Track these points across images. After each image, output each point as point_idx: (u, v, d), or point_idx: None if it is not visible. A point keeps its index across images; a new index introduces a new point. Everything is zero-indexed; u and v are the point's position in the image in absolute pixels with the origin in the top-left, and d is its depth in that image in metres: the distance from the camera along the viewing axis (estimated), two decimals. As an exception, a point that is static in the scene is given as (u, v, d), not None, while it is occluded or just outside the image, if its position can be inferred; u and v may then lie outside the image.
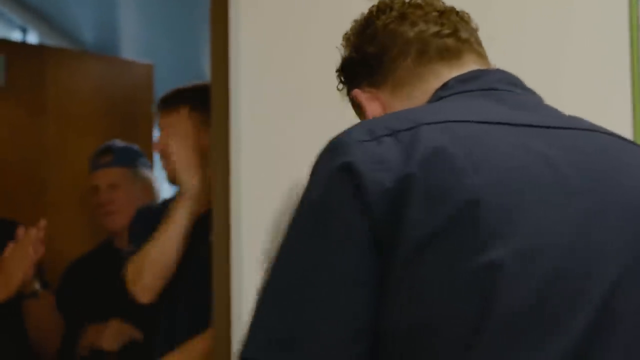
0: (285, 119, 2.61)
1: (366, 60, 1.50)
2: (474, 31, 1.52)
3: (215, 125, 2.86)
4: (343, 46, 1.54)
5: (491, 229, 1.23)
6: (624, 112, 2.71)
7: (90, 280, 3.58)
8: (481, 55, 1.50)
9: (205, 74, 8.06)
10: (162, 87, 7.48)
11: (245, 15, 2.81)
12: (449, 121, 1.30)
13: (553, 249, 1.24)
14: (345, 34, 1.54)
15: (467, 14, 1.53)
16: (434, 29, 1.47)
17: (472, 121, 1.31)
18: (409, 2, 1.52)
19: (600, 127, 1.41)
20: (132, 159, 3.67)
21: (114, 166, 3.63)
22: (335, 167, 1.27)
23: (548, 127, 1.34)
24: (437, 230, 1.22)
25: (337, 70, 1.55)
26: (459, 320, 1.21)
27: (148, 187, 3.66)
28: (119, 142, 3.75)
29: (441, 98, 1.42)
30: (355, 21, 1.53)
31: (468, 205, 1.23)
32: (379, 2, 1.53)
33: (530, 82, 1.50)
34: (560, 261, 1.24)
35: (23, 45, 5.34)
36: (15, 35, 6.33)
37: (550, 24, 2.69)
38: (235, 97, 2.81)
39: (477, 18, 1.57)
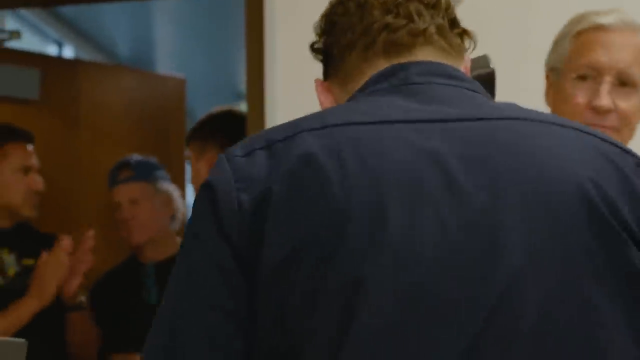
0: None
1: (325, 49, 1.42)
2: (441, 19, 1.37)
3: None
4: (314, 28, 1.45)
5: (356, 243, 1.16)
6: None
7: (115, 297, 3.59)
8: (440, 46, 1.36)
9: (238, 88, 8.10)
10: (196, 100, 7.52)
11: (281, 30, 2.81)
12: (331, 125, 1.24)
13: (420, 262, 1.17)
14: (321, 16, 1.44)
15: None
16: (385, 20, 1.35)
17: (359, 123, 1.24)
18: None
19: (531, 114, 1.29)
20: (151, 173, 3.67)
21: (134, 181, 3.63)
22: (201, 186, 1.25)
23: (454, 121, 1.25)
24: (297, 247, 1.17)
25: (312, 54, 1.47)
26: (320, 340, 1.16)
27: (168, 200, 3.66)
28: (136, 156, 3.75)
29: (353, 98, 1.34)
30: (330, 2, 1.44)
31: (332, 217, 1.17)
32: None
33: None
34: (427, 276, 1.16)
35: (57, 59, 5.38)
36: (51, 49, 6.38)
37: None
38: (270, 111, 2.80)
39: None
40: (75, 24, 6.36)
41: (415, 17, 1.36)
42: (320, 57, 1.44)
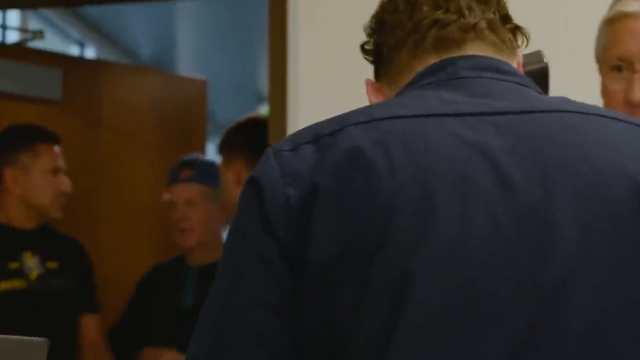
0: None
1: (375, 49, 1.40)
2: (492, 14, 1.35)
3: (273, 139, 2.86)
4: (364, 29, 1.43)
5: (404, 237, 1.15)
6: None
7: (159, 295, 3.57)
8: (491, 42, 1.35)
9: (259, 90, 8.10)
10: (217, 102, 7.53)
11: (304, 31, 2.80)
12: (379, 119, 1.22)
13: (470, 257, 1.15)
14: (371, 17, 1.42)
15: None
16: (435, 15, 1.33)
17: (406, 116, 1.23)
18: None
19: (579, 106, 1.28)
20: (213, 177, 3.58)
21: (194, 182, 3.58)
22: (247, 182, 1.24)
23: (503, 114, 1.23)
24: (346, 243, 1.16)
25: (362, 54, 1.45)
26: (368, 336, 1.14)
27: (225, 207, 3.62)
28: (200, 157, 3.71)
29: (402, 93, 1.33)
30: (380, 2, 1.42)
31: (380, 211, 1.16)
32: None
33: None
34: (477, 271, 1.15)
35: (79, 59, 5.39)
36: (73, 50, 6.39)
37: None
38: (293, 113, 2.80)
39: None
40: (98, 25, 6.38)
41: (466, 12, 1.34)
42: (371, 58, 1.42)
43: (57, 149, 3.56)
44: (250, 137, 3.17)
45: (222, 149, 3.23)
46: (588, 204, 1.18)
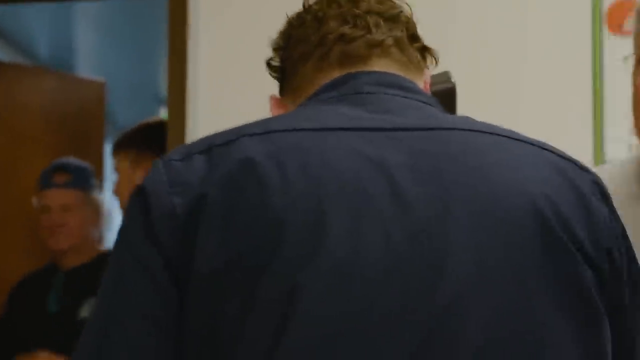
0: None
1: (280, 65, 1.39)
2: (400, 33, 1.34)
3: (171, 143, 2.84)
4: (271, 45, 1.41)
5: (293, 251, 1.13)
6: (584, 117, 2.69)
7: (28, 303, 3.50)
8: (397, 59, 1.33)
9: (159, 92, 8.02)
10: (117, 104, 7.43)
11: (204, 35, 2.78)
12: (274, 131, 1.21)
13: (362, 272, 1.13)
14: (278, 32, 1.41)
15: (401, 12, 1.36)
16: (341, 30, 1.32)
17: (303, 129, 1.21)
18: (329, 0, 1.37)
19: (485, 126, 1.26)
20: (88, 181, 3.58)
21: (70, 187, 3.54)
22: (134, 191, 1.22)
23: (403, 130, 1.22)
24: (233, 256, 1.13)
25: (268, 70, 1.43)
26: (254, 351, 1.12)
27: (98, 210, 3.59)
28: (74, 161, 3.65)
29: (302, 105, 1.31)
30: (288, 17, 1.41)
31: (270, 225, 1.14)
32: (304, 1, 1.39)
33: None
34: (368, 287, 1.12)
35: (-27, 59, 5.24)
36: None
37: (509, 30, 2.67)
38: (192, 116, 2.77)
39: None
40: (-7, 23, 6.24)
41: (373, 29, 1.33)
42: (276, 74, 1.41)
43: None
44: (162, 137, 3.14)
45: (129, 148, 3.19)
46: (485, 226, 1.17)
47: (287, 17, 1.39)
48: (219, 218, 1.15)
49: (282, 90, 1.39)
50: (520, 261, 1.17)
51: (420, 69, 1.37)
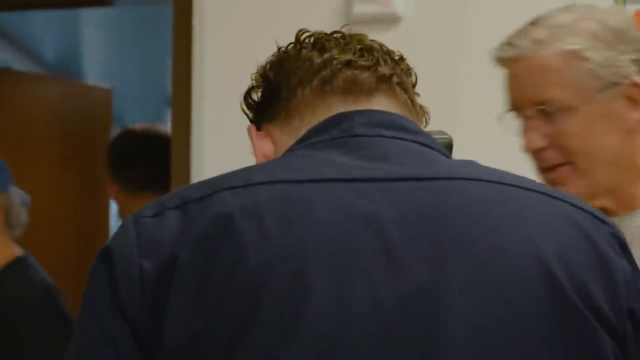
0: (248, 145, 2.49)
1: (266, 90, 1.26)
2: (404, 75, 1.24)
3: (176, 151, 2.78)
4: (252, 77, 1.30)
5: (271, 322, 1.02)
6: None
7: None
8: (402, 100, 1.22)
9: (167, 94, 7.97)
10: (125, 107, 7.39)
11: (209, 39, 2.73)
12: (255, 183, 1.09)
13: (348, 344, 1.02)
14: (259, 66, 1.30)
15: (402, 57, 1.27)
16: (348, 57, 1.21)
17: (288, 180, 1.09)
18: (332, 32, 1.27)
19: (491, 174, 1.15)
20: (3, 180, 3.38)
21: None
22: (99, 253, 1.11)
23: (398, 180, 1.10)
24: (205, 326, 1.03)
25: (241, 102, 1.31)
26: None
27: (6, 207, 3.46)
28: None
29: (290, 151, 1.19)
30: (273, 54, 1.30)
31: (247, 292, 1.03)
32: (297, 33, 1.28)
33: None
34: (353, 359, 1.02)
35: (-25, 67, 5.17)
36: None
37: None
38: (197, 118, 2.71)
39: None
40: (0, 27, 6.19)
41: (381, 62, 1.22)
42: (253, 109, 1.28)
43: None
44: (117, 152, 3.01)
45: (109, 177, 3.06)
46: (485, 288, 1.05)
47: (278, 47, 1.28)
48: (191, 283, 1.04)
49: (270, 116, 1.25)
50: (526, 330, 1.05)
51: (421, 115, 1.26)
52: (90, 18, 6.09)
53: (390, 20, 2.61)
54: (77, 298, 3.67)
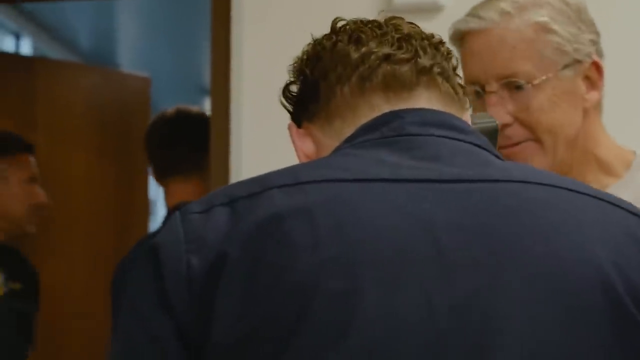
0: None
1: (304, 87, 1.22)
2: (445, 63, 1.20)
3: (215, 140, 2.75)
4: (288, 72, 1.26)
5: (321, 326, 0.99)
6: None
7: None
8: (444, 90, 1.19)
9: (203, 83, 7.95)
10: (160, 95, 7.38)
11: (248, 25, 2.71)
12: (305, 182, 1.07)
13: (400, 351, 0.99)
14: (295, 58, 1.26)
15: (442, 42, 1.23)
16: (386, 50, 1.17)
17: (338, 180, 1.06)
18: (368, 21, 1.22)
19: (542, 176, 1.12)
20: None
21: None
22: (145, 250, 1.08)
23: (451, 181, 1.07)
24: (254, 327, 1.00)
25: (280, 97, 1.27)
26: None
27: None
28: None
29: (339, 150, 1.16)
30: (308, 44, 1.25)
31: (296, 294, 1.00)
32: (332, 22, 1.24)
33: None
34: None
35: (12, 56, 5.17)
36: (8, 42, 6.20)
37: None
38: (236, 108, 2.70)
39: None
40: (35, 16, 6.19)
41: (421, 52, 1.18)
42: (292, 102, 1.24)
43: (32, 157, 3.44)
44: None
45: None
46: (542, 296, 1.02)
47: (313, 38, 1.24)
48: (240, 282, 1.01)
49: (309, 115, 1.22)
50: (585, 341, 1.02)
51: (463, 104, 1.22)
52: (125, 6, 6.08)
53: (432, 9, 2.57)
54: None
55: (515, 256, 1.03)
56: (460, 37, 1.69)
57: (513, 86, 1.64)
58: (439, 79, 1.18)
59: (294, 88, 1.24)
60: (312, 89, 1.20)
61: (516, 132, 1.65)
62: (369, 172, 1.08)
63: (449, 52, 1.22)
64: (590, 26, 1.69)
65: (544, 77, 1.63)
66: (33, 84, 4.16)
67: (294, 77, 1.24)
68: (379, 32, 1.19)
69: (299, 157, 1.22)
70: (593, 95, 1.67)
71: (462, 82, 1.23)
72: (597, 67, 1.67)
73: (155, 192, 10.93)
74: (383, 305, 1.00)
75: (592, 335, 1.02)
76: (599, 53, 1.68)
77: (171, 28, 6.56)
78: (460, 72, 1.24)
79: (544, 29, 1.64)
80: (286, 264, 1.01)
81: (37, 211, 3.40)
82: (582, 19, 1.68)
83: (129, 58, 7.42)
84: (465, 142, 1.14)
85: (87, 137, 4.29)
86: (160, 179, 2.84)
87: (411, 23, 1.23)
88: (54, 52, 6.61)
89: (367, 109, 1.17)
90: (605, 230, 1.07)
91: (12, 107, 4.07)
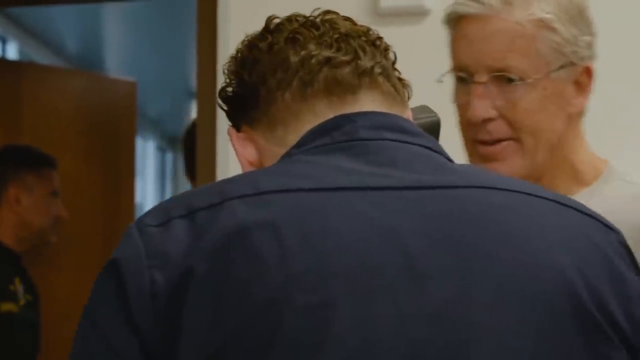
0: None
1: (243, 91, 1.19)
2: (385, 60, 1.18)
3: (202, 143, 2.74)
4: (223, 72, 1.23)
5: (297, 338, 0.97)
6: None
7: None
8: (386, 90, 1.17)
9: (190, 86, 7.94)
10: (147, 99, 7.37)
11: (234, 29, 2.71)
12: (265, 192, 1.04)
13: None
14: (230, 57, 1.23)
15: (380, 38, 1.21)
16: (326, 53, 1.15)
17: (300, 189, 1.04)
18: (305, 21, 1.20)
19: (503, 181, 1.12)
20: None
21: None
22: (106, 265, 1.05)
23: (413, 189, 1.06)
24: (225, 342, 0.98)
25: (218, 101, 1.25)
26: None
27: None
28: None
29: (289, 156, 1.13)
30: (242, 42, 1.22)
31: (267, 308, 0.98)
32: (267, 20, 1.22)
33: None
34: None
35: (-1, 60, 5.15)
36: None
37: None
38: (222, 112, 2.69)
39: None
40: (20, 19, 6.17)
41: (360, 53, 1.16)
42: (230, 105, 1.22)
43: (56, 172, 3.61)
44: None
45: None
46: (511, 302, 1.02)
47: (246, 37, 1.22)
48: (207, 297, 0.99)
49: (247, 120, 1.19)
50: (557, 348, 1.02)
51: (404, 101, 1.20)
52: (111, 10, 6.07)
53: (418, 13, 2.58)
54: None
55: (482, 263, 1.02)
56: (456, 19, 1.62)
57: (504, 80, 1.58)
58: (381, 79, 1.17)
59: (230, 89, 1.22)
60: (251, 93, 1.18)
61: (498, 128, 1.59)
62: (329, 181, 1.06)
63: (386, 48, 1.20)
64: (589, 26, 1.63)
65: (537, 76, 1.58)
66: (19, 88, 4.15)
67: (229, 78, 1.22)
68: (316, 32, 1.17)
69: (241, 163, 1.20)
70: (580, 101, 1.62)
71: (400, 75, 1.21)
72: (589, 73, 1.62)
73: (142, 196, 10.95)
74: (356, 317, 0.98)
75: (562, 342, 1.02)
76: (593, 56, 1.63)
77: (158, 31, 6.55)
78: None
79: (546, 26, 1.58)
80: (255, 277, 0.99)
81: (57, 224, 3.58)
82: (583, 18, 1.62)
83: (116, 62, 7.41)
84: (417, 145, 1.13)
85: (74, 141, 4.27)
86: (192, 179, 2.97)
87: (347, 18, 1.21)
88: (41, 56, 6.59)
89: (311, 116, 1.15)
90: (565, 234, 1.07)
91: (-1, 112, 4.06)
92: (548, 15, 1.58)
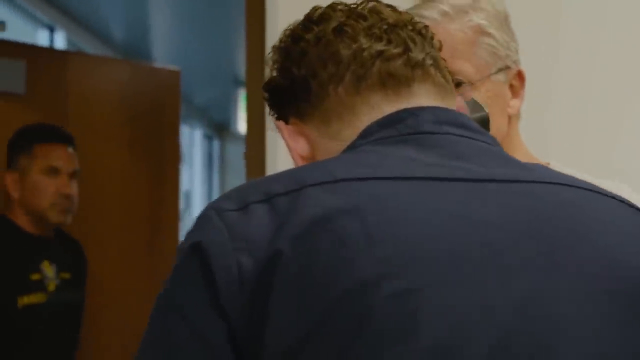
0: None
1: (292, 84, 1.18)
2: (433, 50, 1.19)
3: (250, 127, 2.75)
4: (267, 63, 1.23)
5: (387, 323, 0.95)
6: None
7: None
8: (438, 81, 1.18)
9: (237, 74, 7.93)
10: (194, 87, 7.35)
11: (282, 14, 2.69)
12: (344, 179, 1.02)
13: (462, 353, 0.96)
14: (272, 47, 1.22)
15: (426, 26, 1.21)
16: (377, 46, 1.15)
17: (377, 177, 1.03)
18: (350, 10, 1.19)
19: (566, 178, 1.11)
20: None
21: None
22: (186, 248, 1.02)
23: (487, 181, 1.06)
24: (313, 327, 0.95)
25: (263, 93, 1.24)
26: None
27: None
28: None
29: (355, 147, 1.12)
30: (285, 31, 1.22)
31: (357, 291, 0.95)
32: (311, 10, 1.21)
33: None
34: None
35: (45, 50, 5.18)
36: (42, 34, 6.20)
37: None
38: None
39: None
40: (68, 9, 6.19)
41: (411, 45, 1.16)
42: (278, 97, 1.20)
43: (58, 148, 3.38)
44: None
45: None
46: (599, 295, 1.01)
47: (290, 27, 1.20)
48: (295, 283, 0.96)
49: (300, 113, 1.18)
50: (636, 339, 1.02)
51: (454, 91, 1.21)
52: (158, -1, 6.08)
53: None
54: (146, 283, 3.69)
55: (564, 257, 1.02)
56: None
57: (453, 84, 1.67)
58: (432, 70, 1.17)
59: (276, 82, 1.20)
60: (301, 87, 1.17)
61: None
62: (403, 170, 1.04)
63: (432, 37, 1.20)
64: (513, 35, 1.74)
65: (477, 79, 1.66)
66: (65, 78, 4.14)
67: (274, 70, 1.21)
68: (364, 23, 1.17)
69: (293, 157, 1.19)
70: (515, 103, 1.71)
71: (446, 64, 1.22)
72: (521, 76, 1.72)
73: (189, 184, 10.97)
74: (444, 304, 0.97)
75: None
76: (517, 63, 1.73)
77: (205, 19, 6.54)
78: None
79: (483, 32, 1.68)
80: (342, 263, 0.96)
81: (61, 201, 3.33)
82: (509, 26, 1.73)
83: (162, 50, 7.42)
84: (479, 140, 1.13)
85: (118, 131, 4.27)
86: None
87: (389, 6, 1.20)
88: (88, 45, 6.61)
89: (367, 108, 1.14)
90: (630, 229, 1.08)
91: (45, 102, 4.05)
92: (483, 22, 1.69)
